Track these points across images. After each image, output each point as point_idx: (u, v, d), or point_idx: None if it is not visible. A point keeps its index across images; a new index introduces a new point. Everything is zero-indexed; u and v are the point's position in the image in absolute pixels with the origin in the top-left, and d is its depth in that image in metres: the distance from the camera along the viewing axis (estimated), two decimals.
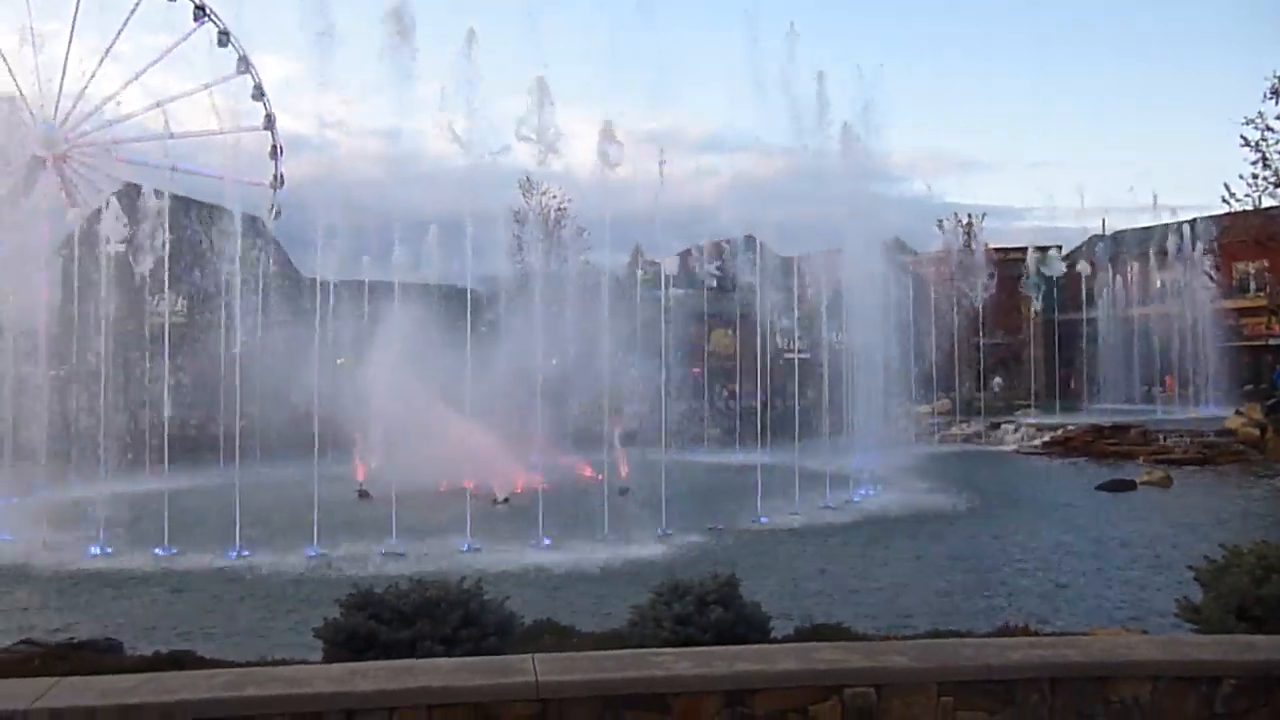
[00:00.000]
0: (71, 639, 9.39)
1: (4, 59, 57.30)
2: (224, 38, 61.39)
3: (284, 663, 6.71)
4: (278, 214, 55.55)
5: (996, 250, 66.67)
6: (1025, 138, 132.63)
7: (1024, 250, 71.34)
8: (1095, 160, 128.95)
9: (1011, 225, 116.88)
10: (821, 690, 5.74)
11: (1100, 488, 24.48)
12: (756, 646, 6.66)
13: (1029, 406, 45.27)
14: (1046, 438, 37.04)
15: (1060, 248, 72.43)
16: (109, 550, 15.65)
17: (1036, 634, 8.27)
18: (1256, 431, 32.45)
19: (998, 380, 48.90)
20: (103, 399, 19.70)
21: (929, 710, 5.80)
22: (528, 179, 42.13)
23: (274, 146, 62.22)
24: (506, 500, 20.73)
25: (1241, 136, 34.41)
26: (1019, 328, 62.05)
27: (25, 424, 20.57)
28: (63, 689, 5.32)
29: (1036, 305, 59.78)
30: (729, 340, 43.22)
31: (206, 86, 61.86)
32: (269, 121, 62.31)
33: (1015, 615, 11.03)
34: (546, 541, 15.94)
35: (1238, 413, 34.54)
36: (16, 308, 21.27)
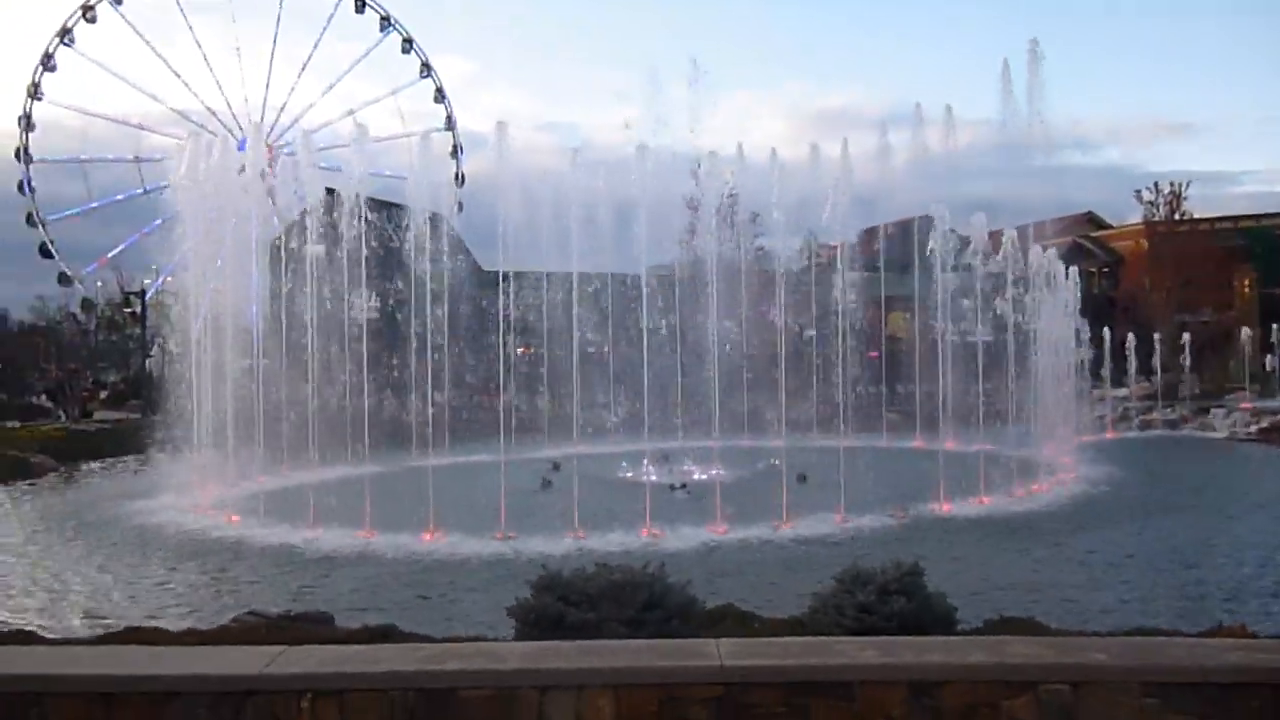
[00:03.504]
0: (289, 611, 10.19)
1: (214, 77, 62.46)
2: (407, 45, 64.75)
3: (480, 639, 7.08)
4: (459, 210, 58.18)
5: (1203, 220, 61.86)
6: (1250, 94, 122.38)
7: (1235, 219, 65.92)
8: None
9: (1225, 191, 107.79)
10: (1014, 686, 5.56)
11: None
12: (944, 638, 6.51)
13: (1243, 390, 41.77)
14: (1264, 423, 34.06)
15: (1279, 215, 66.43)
16: (319, 531, 16.83)
17: (1253, 636, 7.69)
18: None
19: (1272, 359, 44.15)
20: (311, 390, 21.19)
21: (1133, 712, 5.52)
22: (699, 165, 42.28)
23: (455, 146, 65.23)
24: (685, 487, 20.94)
25: None
26: (1230, 303, 57.37)
27: (242, 413, 22.40)
28: (289, 656, 5.82)
29: (1250, 279, 55.22)
30: (906, 323, 41.98)
31: (393, 92, 65.57)
32: (449, 123, 65.33)
33: (1228, 616, 10.29)
34: (723, 529, 16.02)
35: None
36: (233, 305, 23.20)
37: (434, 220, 24.75)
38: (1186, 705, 5.49)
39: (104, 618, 11.54)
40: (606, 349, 31.58)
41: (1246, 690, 5.52)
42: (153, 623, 10.17)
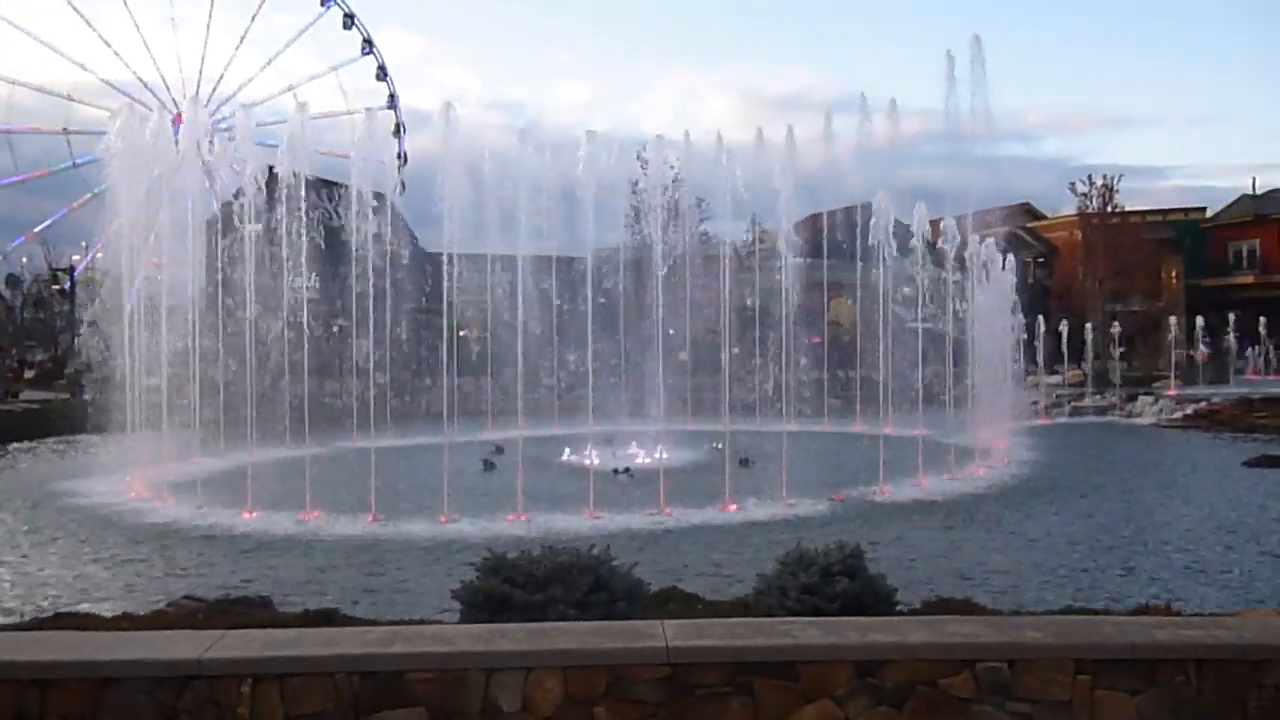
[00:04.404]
0: (227, 595, 10.02)
1: (148, 48, 60.63)
2: (349, 21, 63.47)
3: (425, 622, 7.04)
4: (402, 190, 57.27)
5: (1134, 213, 63.53)
6: (1183, 92, 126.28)
7: (1164, 212, 67.76)
8: (1259, 114, 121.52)
9: (1155, 185, 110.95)
10: (953, 664, 5.69)
11: (1248, 464, 23.19)
12: (886, 618, 6.63)
13: (1169, 378, 43.12)
14: (1189, 410, 35.18)
15: (1205, 209, 68.51)
16: (257, 514, 16.54)
17: (1179, 614, 7.97)
18: None
19: (1204, 349, 45.91)
20: (248, 371, 20.79)
21: (1065, 687, 5.69)
22: (644, 147, 42.36)
23: (397, 125, 64.17)
24: (628, 470, 21.00)
25: None
26: (1158, 294, 59.05)
27: (178, 394, 21.90)
28: (230, 640, 5.73)
29: (1178, 270, 56.75)
30: (849, 310, 42.54)
31: (333, 69, 64.35)
32: (392, 101, 64.26)
33: (1154, 595, 10.65)
34: (667, 511, 16.11)
35: None
36: (169, 284, 22.64)
37: (377, 200, 24.36)
38: (1116, 681, 5.68)
39: (33, 602, 11.25)
40: (551, 332, 31.50)
41: (1172, 665, 5.73)
42: (84, 608, 9.94)
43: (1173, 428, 33.85)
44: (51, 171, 60.39)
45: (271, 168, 23.53)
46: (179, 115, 40.96)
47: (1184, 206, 70.00)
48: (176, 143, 25.98)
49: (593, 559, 7.20)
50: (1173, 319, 47.33)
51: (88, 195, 51.03)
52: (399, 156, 62.35)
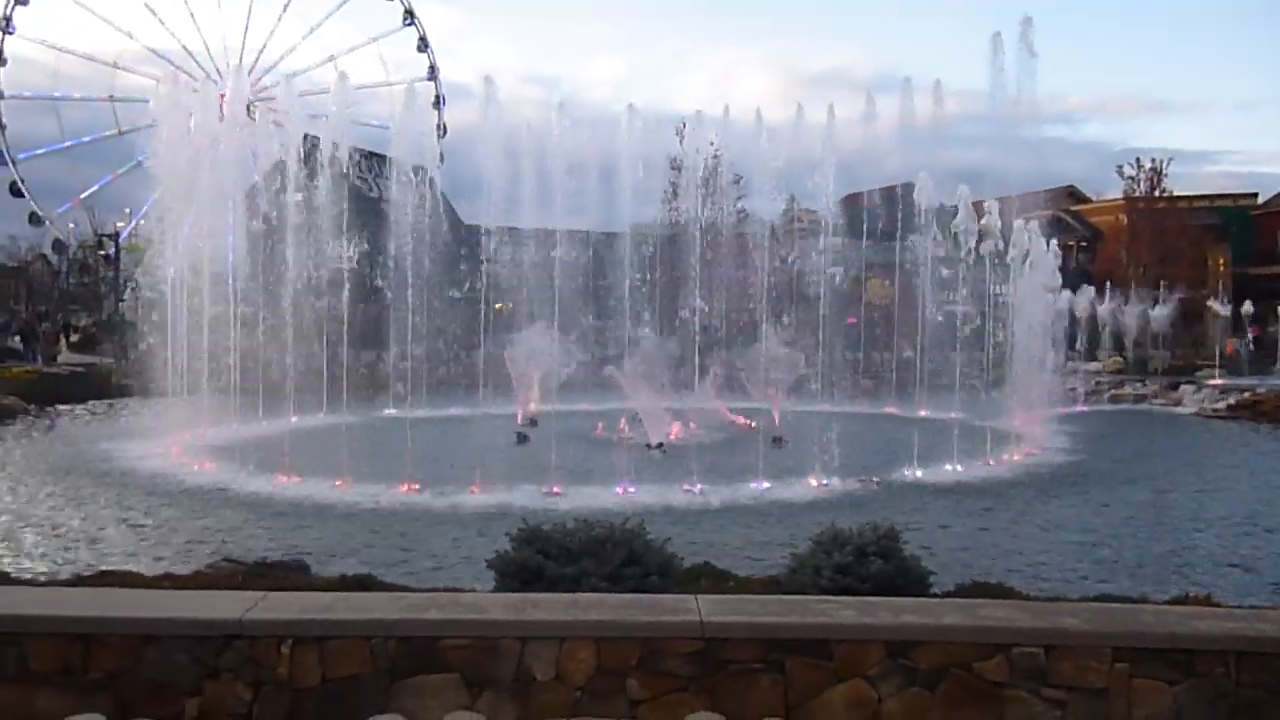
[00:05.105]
0: (264, 558, 10.17)
1: (193, 17, 61.08)
2: None
3: (460, 590, 7.10)
4: (441, 161, 57.30)
5: (1181, 198, 62.21)
6: (1229, 76, 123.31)
7: (1212, 198, 66.34)
8: None
9: (1203, 170, 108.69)
10: (988, 648, 5.66)
11: None
12: (920, 600, 6.60)
13: (1213, 367, 42.33)
14: (1232, 400, 34.49)
15: (1256, 195, 66.96)
16: (293, 479, 16.76)
17: (1219, 605, 7.85)
18: None
19: (1246, 341, 45.30)
20: (290, 339, 21.02)
21: (1102, 675, 5.64)
22: (684, 124, 42.10)
23: (437, 97, 64.35)
24: (661, 446, 21.00)
25: None
26: (1204, 281, 57.92)
27: (216, 360, 22.21)
28: (270, 602, 5.82)
29: (1225, 258, 55.58)
30: (886, 290, 42.13)
31: (374, 40, 64.56)
32: (432, 73, 64.41)
33: (1191, 586, 10.50)
34: (700, 488, 16.11)
35: None
36: (210, 251, 22.90)
37: (416, 172, 24.47)
38: (1155, 670, 5.62)
39: (74, 560, 11.50)
40: (586, 306, 31.53)
41: (1212, 656, 5.65)
42: (125, 567, 10.13)
43: (1215, 418, 33.21)
44: (97, 138, 61.14)
45: (310, 136, 23.69)
46: (223, 96, 41.27)
47: (1233, 193, 68.47)
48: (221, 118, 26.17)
49: (627, 533, 7.21)
50: (1218, 307, 46.39)
51: (135, 162, 51.67)
52: (438, 128, 62.50)
